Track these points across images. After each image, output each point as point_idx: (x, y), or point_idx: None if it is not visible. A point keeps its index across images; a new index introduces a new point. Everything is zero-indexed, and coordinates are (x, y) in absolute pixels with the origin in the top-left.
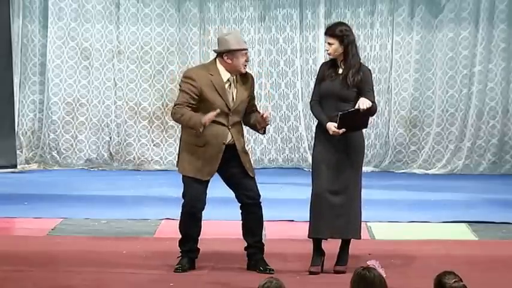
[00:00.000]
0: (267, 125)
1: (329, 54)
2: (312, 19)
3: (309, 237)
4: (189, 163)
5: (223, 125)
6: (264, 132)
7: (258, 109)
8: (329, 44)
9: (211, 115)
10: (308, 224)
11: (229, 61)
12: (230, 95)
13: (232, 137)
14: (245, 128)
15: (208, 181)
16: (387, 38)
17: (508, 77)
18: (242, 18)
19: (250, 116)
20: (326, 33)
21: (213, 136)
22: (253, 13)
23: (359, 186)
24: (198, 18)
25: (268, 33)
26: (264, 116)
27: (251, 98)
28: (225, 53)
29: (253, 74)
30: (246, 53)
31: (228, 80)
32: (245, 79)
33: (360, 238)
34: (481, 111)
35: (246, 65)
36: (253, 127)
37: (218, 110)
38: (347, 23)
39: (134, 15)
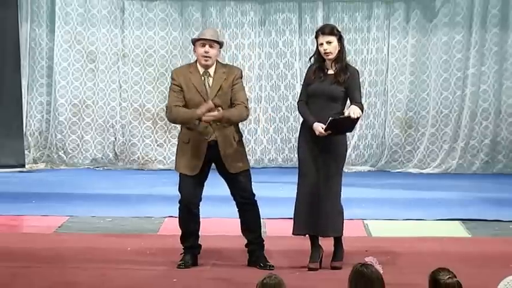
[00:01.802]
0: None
1: (329, 53)
2: (311, 23)
3: (292, 234)
4: (179, 160)
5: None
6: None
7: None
8: (328, 42)
9: (204, 107)
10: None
11: (195, 53)
12: (207, 90)
13: (214, 132)
14: (245, 128)
15: (200, 175)
16: (383, 41)
17: (500, 80)
18: (243, 23)
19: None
20: (324, 33)
21: (196, 132)
22: (253, 17)
23: (340, 185)
24: (200, 23)
25: (268, 37)
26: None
27: (233, 90)
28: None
29: (253, 77)
30: (203, 44)
31: (203, 74)
32: (226, 72)
33: (341, 235)
34: (474, 112)
35: (205, 57)
36: None
37: (210, 102)
38: (344, 27)
39: (138, 19)
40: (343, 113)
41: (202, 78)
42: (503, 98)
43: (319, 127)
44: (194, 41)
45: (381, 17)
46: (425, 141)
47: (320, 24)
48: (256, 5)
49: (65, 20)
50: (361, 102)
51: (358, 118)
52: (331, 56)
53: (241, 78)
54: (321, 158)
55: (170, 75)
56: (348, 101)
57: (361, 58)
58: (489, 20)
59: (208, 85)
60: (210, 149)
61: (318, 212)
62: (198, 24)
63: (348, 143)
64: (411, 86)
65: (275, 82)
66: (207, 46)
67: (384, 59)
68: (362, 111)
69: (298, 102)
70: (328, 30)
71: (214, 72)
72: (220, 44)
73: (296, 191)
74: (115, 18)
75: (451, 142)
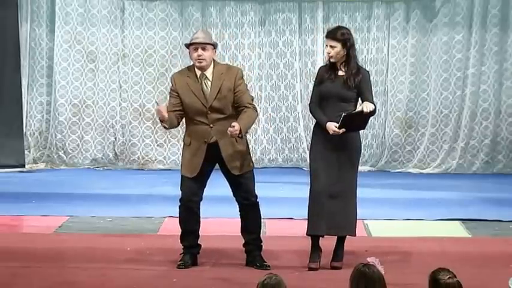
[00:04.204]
0: (233, 137)
1: (330, 56)
2: (311, 23)
3: (307, 234)
4: (181, 161)
5: (204, 124)
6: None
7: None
8: (331, 46)
9: (158, 108)
10: (306, 221)
11: (190, 57)
12: (205, 94)
13: (214, 135)
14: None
15: (201, 176)
16: (383, 41)
17: (500, 79)
18: (243, 23)
19: (239, 114)
20: (328, 37)
21: (196, 135)
22: (253, 17)
23: (355, 185)
24: (200, 23)
25: (268, 37)
26: (229, 130)
27: (237, 93)
28: None
29: (253, 77)
30: (195, 48)
31: (200, 77)
32: (225, 74)
33: (355, 235)
34: (474, 112)
35: (198, 60)
36: None
37: (158, 107)
38: None
39: (138, 19)
40: (355, 110)
41: (199, 81)
42: (503, 98)
43: (332, 126)
44: (187, 46)
45: (380, 17)
46: (425, 141)
47: (320, 24)
48: (256, 5)
49: (65, 20)
50: (373, 103)
51: (370, 113)
52: (332, 60)
53: (242, 77)
54: (336, 156)
55: (170, 78)
56: (359, 101)
57: (361, 58)
58: (489, 20)
59: (207, 89)
60: (211, 151)
61: (335, 211)
62: (198, 24)
63: None
64: (411, 86)
65: (275, 82)
66: (199, 50)
67: (384, 59)
68: (375, 111)
69: (309, 104)
70: (331, 34)
71: (212, 74)
72: (214, 45)
73: (309, 191)
74: (115, 18)
75: (451, 142)
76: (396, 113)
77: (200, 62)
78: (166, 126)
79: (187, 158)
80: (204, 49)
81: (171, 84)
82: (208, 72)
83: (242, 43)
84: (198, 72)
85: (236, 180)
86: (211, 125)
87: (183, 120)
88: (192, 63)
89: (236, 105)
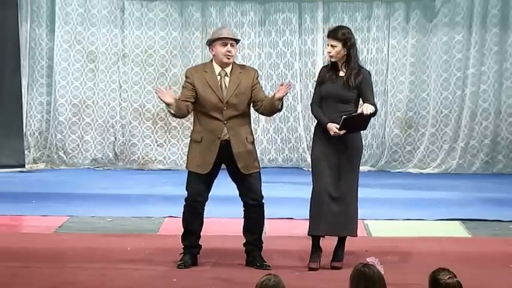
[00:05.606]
0: (286, 93)
1: (331, 56)
2: (311, 23)
3: (308, 234)
4: (190, 158)
5: (218, 120)
6: (281, 108)
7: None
8: (331, 46)
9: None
10: (307, 221)
11: (213, 52)
12: (223, 89)
13: (227, 132)
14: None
15: (210, 175)
16: (383, 41)
17: (500, 79)
18: (243, 23)
19: (263, 102)
20: (328, 36)
21: (208, 131)
22: (253, 17)
23: (356, 186)
24: (200, 23)
25: (268, 37)
26: (284, 84)
27: (254, 90)
28: (209, 46)
29: None
30: (224, 43)
31: (220, 73)
32: (243, 73)
33: (356, 236)
34: (474, 112)
35: (228, 55)
36: (271, 108)
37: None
38: None
39: (138, 19)
40: (355, 112)
41: (219, 77)
42: (503, 98)
43: (333, 127)
44: (212, 41)
45: (380, 17)
46: (425, 141)
47: (320, 24)
48: (256, 5)
49: (65, 20)
50: (374, 103)
51: (371, 115)
52: (333, 59)
53: (258, 77)
54: (337, 157)
55: (185, 72)
56: (361, 101)
57: (361, 58)
58: (489, 20)
59: (225, 85)
60: (222, 149)
61: (336, 211)
62: (198, 24)
63: None
64: (411, 86)
65: (275, 82)
66: (228, 45)
67: (384, 59)
68: (376, 111)
69: (311, 104)
70: (332, 34)
71: (231, 71)
72: (237, 42)
73: (311, 192)
74: (115, 18)
75: (451, 142)
76: (396, 113)
77: (229, 58)
78: (172, 111)
79: (198, 154)
80: (232, 45)
81: (185, 78)
82: (228, 69)
83: (242, 43)
84: (218, 69)
85: (245, 179)
86: (225, 122)
87: (187, 118)
88: (209, 59)
89: (254, 100)
